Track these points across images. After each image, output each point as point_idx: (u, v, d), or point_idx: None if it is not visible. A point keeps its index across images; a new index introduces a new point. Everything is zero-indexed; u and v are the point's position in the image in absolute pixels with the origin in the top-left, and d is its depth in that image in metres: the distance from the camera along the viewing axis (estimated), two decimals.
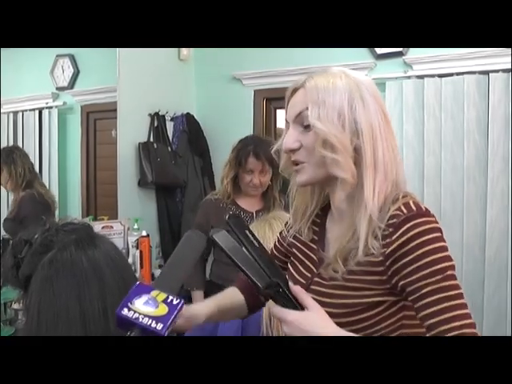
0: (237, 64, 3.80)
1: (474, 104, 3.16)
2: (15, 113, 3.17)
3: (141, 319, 0.75)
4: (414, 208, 1.01)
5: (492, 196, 3.14)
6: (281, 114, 4.15)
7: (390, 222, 1.01)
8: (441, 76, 3.25)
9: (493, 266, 3.15)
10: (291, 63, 3.58)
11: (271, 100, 3.84)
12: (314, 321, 0.93)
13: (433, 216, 1.02)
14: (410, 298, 0.99)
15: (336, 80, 1.08)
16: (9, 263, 0.91)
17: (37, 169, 3.17)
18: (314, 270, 1.15)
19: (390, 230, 1.00)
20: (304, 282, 1.15)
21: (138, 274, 2.81)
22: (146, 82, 3.51)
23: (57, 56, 3.28)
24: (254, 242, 0.97)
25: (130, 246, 3.01)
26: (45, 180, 3.22)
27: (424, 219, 1.00)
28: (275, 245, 1.35)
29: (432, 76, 3.27)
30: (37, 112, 3.23)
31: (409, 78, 3.33)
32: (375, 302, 1.03)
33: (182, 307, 0.78)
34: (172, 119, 3.77)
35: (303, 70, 3.66)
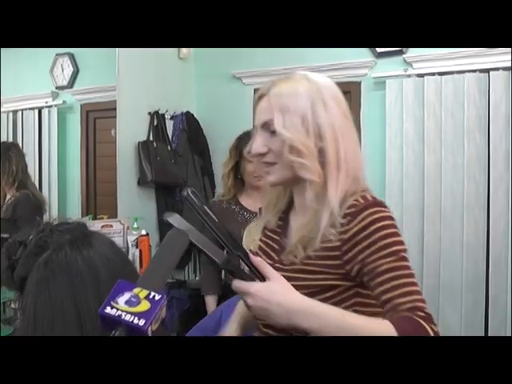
0: (237, 63, 3.79)
1: (475, 102, 3.16)
2: (15, 112, 3.17)
3: (123, 316, 0.75)
4: (370, 199, 1.11)
5: (493, 195, 3.14)
6: None
7: (348, 211, 1.09)
8: (441, 74, 3.24)
9: (494, 265, 3.14)
10: (291, 62, 3.58)
11: None
12: (277, 290, 0.98)
13: (387, 207, 1.11)
14: (365, 278, 1.07)
15: (298, 86, 1.15)
16: (3, 265, 0.91)
17: (36, 168, 3.17)
18: (275, 258, 1.22)
19: (348, 218, 1.09)
20: None
21: None
22: (145, 80, 3.51)
23: (56, 55, 3.28)
24: (213, 216, 1.00)
25: (130, 245, 3.01)
26: (44, 179, 3.22)
27: (379, 208, 1.09)
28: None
29: (432, 74, 3.27)
30: (36, 111, 3.23)
31: (409, 76, 3.33)
32: (329, 286, 1.10)
33: (164, 302, 0.79)
34: (172, 118, 3.76)
35: (303, 69, 3.65)
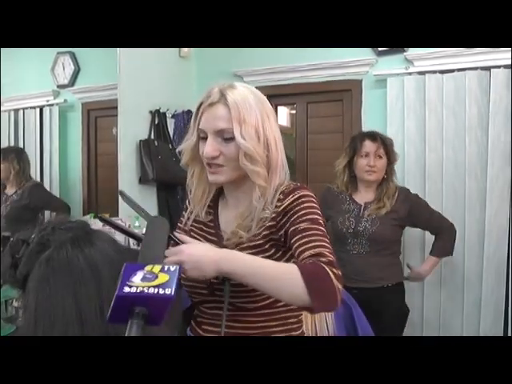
0: (238, 61, 3.79)
1: (476, 100, 3.15)
2: (16, 111, 3.18)
3: (146, 291, 0.75)
4: (298, 184, 1.34)
5: (492, 192, 3.13)
6: (282, 111, 4.14)
7: (281, 195, 1.30)
8: (442, 72, 3.24)
9: (492, 262, 3.14)
10: (292, 60, 3.58)
11: (272, 97, 3.82)
12: (200, 247, 1.20)
13: (310, 190, 1.33)
14: (289, 239, 1.26)
15: (249, 98, 1.28)
16: (7, 263, 0.91)
17: (38, 166, 3.20)
18: (217, 246, 1.32)
19: (281, 196, 1.30)
20: None
21: None
22: (146, 79, 3.51)
23: (57, 53, 3.29)
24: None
25: (131, 243, 3.01)
26: (46, 177, 3.23)
27: (305, 190, 1.31)
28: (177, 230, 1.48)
29: (433, 72, 3.26)
30: (38, 110, 3.24)
31: (410, 74, 3.32)
32: (272, 252, 1.30)
33: (180, 271, 0.79)
34: (173, 116, 3.76)
35: (303, 67, 3.65)
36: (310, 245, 1.21)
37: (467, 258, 3.21)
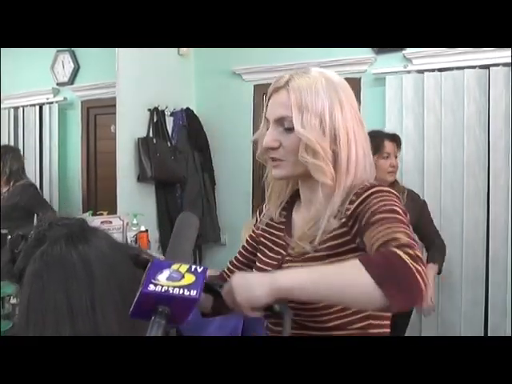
0: (237, 59, 3.79)
1: (475, 98, 3.15)
2: (16, 108, 3.18)
3: (171, 291, 0.74)
4: (375, 183, 1.13)
5: (493, 191, 3.13)
6: None
7: (354, 196, 1.11)
8: (441, 70, 3.24)
9: (493, 261, 3.14)
10: (291, 58, 3.57)
11: None
12: (247, 273, 1.01)
13: (391, 190, 1.11)
14: (363, 232, 1.04)
15: (318, 85, 1.13)
16: (6, 258, 0.92)
17: (37, 164, 3.19)
18: (283, 252, 1.21)
19: (354, 198, 1.10)
20: (275, 262, 1.21)
21: None
22: (145, 77, 3.51)
23: (57, 51, 3.29)
24: None
25: (129, 241, 3.02)
26: (45, 175, 3.24)
27: (380, 187, 1.10)
28: (250, 235, 1.37)
29: (432, 70, 3.26)
30: (37, 107, 3.24)
31: (409, 72, 3.32)
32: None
33: (206, 273, 0.78)
34: (171, 114, 3.76)
35: (303, 65, 3.65)
36: (380, 234, 0.98)
37: (465, 255, 3.21)
